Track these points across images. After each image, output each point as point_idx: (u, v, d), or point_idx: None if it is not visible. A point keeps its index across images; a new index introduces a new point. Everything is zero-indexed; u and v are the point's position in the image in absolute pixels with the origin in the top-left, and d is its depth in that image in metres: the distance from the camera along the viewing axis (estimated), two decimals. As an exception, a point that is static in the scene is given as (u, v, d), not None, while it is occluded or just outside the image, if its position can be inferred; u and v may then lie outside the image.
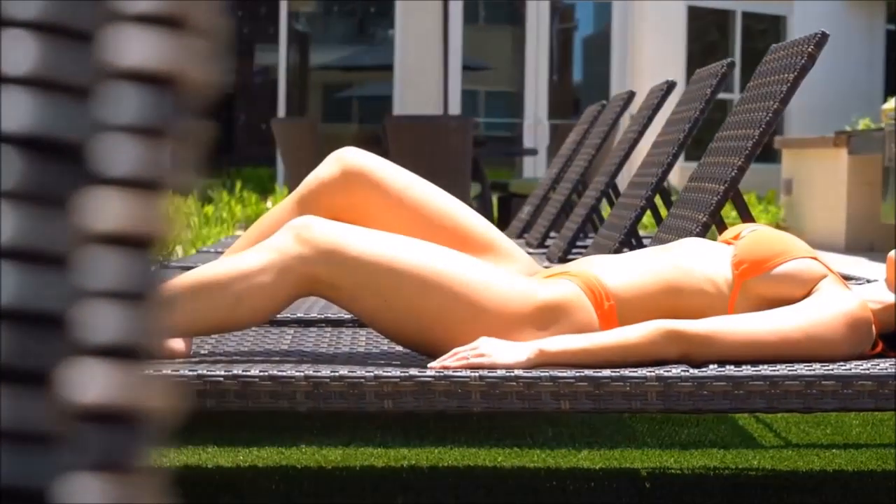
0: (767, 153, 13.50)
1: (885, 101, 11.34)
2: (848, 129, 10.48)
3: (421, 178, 2.80)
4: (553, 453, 3.17)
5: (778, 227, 11.35)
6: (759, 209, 11.80)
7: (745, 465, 3.08)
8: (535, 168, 14.94)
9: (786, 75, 3.37)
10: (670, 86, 4.96)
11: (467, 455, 3.14)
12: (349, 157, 2.75)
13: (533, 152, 11.30)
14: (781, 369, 2.40)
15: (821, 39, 3.31)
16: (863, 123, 10.60)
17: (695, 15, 15.75)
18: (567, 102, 16.86)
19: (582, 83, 17.71)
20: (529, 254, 5.52)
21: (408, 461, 3.08)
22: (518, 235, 6.78)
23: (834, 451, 3.23)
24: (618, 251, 4.06)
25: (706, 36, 16.34)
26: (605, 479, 2.97)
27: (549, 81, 15.83)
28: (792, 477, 2.99)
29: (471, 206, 9.04)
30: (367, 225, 2.65)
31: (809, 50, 3.31)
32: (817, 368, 2.41)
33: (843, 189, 10.31)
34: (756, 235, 2.66)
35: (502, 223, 9.71)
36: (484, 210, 9.46)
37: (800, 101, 15.71)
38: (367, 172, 2.73)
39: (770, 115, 3.33)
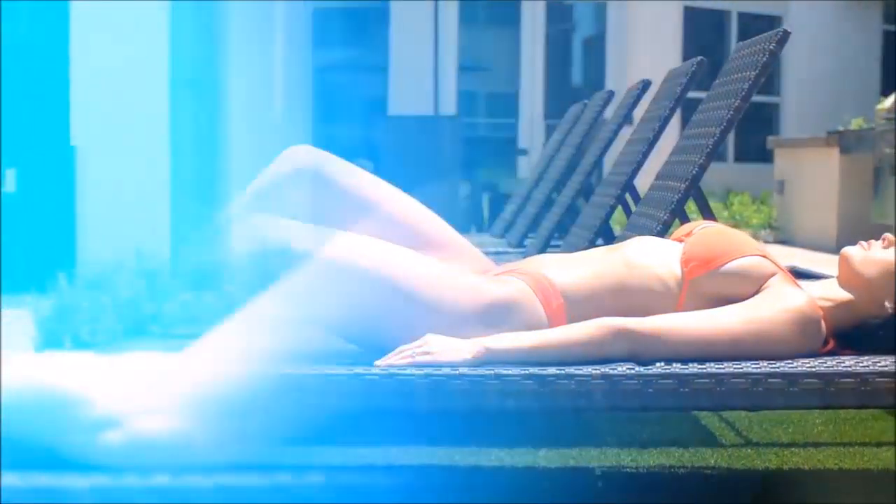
0: (761, 153, 13.47)
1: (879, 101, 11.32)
2: (840, 128, 10.45)
3: (374, 175, 2.79)
4: (512, 452, 3.16)
5: (770, 227, 11.33)
6: (752, 209, 11.77)
7: (702, 463, 3.07)
8: (529, 168, 14.93)
9: (748, 73, 3.36)
10: (645, 85, 4.95)
11: (423, 454, 3.13)
12: (300, 155, 2.75)
13: (523, 152, 11.30)
14: (728, 367, 2.39)
15: (783, 37, 3.30)
16: (855, 123, 10.58)
17: (690, 15, 15.73)
18: (564, 103, 16.85)
19: (580, 84, 17.70)
20: (509, 253, 5.51)
21: (364, 460, 3.07)
22: (501, 235, 6.77)
23: (793, 449, 3.22)
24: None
25: (702, 36, 16.31)
26: (561, 478, 2.95)
27: (546, 82, 15.82)
28: (747, 475, 2.98)
29: (460, 206, 9.03)
30: (319, 222, 2.64)
31: (771, 48, 3.30)
32: (764, 366, 2.40)
33: (834, 188, 10.28)
34: (705, 233, 2.65)
35: (492, 223, 9.70)
36: (473, 210, 9.45)
37: (796, 101, 15.69)
38: (318, 170, 2.73)
39: (731, 112, 3.32)
